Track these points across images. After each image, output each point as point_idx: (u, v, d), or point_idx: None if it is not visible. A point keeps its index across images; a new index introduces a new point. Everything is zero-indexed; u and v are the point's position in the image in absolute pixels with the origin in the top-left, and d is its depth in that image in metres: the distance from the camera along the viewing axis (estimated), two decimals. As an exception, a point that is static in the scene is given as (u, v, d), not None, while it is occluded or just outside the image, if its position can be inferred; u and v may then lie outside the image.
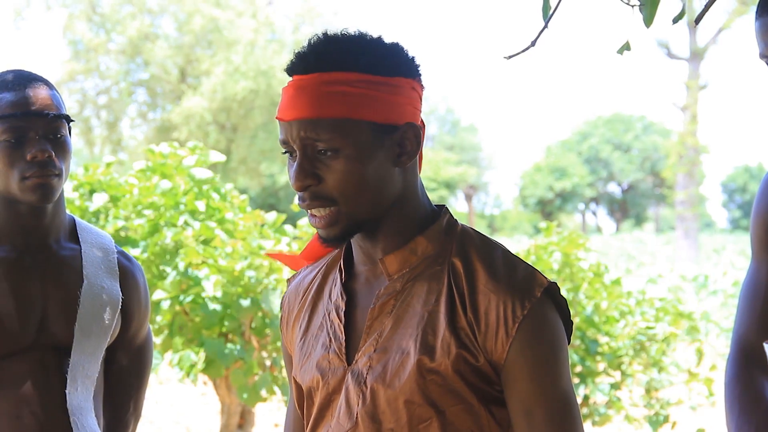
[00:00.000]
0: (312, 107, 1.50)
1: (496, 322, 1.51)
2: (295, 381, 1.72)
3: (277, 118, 1.55)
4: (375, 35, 1.57)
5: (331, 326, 1.65)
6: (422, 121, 1.63)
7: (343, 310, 1.63)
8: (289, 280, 1.83)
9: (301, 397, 1.71)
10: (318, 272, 1.75)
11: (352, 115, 1.50)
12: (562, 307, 1.57)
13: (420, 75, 1.60)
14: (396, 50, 1.56)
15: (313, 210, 1.55)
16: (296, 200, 1.58)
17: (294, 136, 1.51)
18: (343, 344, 1.61)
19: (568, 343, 1.59)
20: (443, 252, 1.59)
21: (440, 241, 1.60)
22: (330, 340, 1.63)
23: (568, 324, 1.59)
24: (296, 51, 1.55)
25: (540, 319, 1.52)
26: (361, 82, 1.50)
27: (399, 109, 1.54)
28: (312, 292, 1.73)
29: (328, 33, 1.54)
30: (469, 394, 1.53)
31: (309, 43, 1.54)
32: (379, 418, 1.55)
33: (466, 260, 1.57)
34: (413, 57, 1.59)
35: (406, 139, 1.56)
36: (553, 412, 1.52)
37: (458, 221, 1.64)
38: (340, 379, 1.60)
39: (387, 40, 1.58)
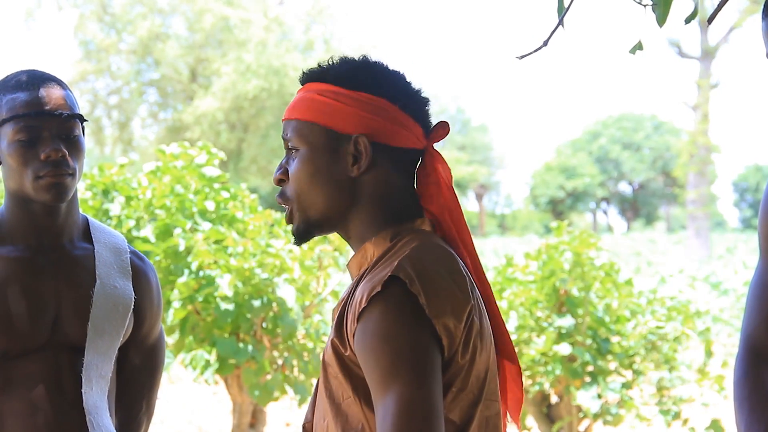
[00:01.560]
0: (291, 110, 1.69)
1: (352, 313, 1.54)
2: None
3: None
4: (360, 56, 1.71)
5: None
6: (432, 147, 1.69)
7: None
8: None
9: None
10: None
11: (313, 119, 1.65)
12: (410, 299, 1.49)
13: (396, 97, 1.66)
14: (370, 69, 1.68)
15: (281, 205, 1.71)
16: None
17: (284, 135, 1.70)
18: None
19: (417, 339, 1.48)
20: (389, 257, 1.59)
21: (385, 246, 1.63)
22: None
23: (424, 318, 1.48)
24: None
25: (372, 313, 1.49)
26: (328, 92, 1.65)
27: (356, 120, 1.63)
28: None
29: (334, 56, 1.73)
30: (348, 385, 1.56)
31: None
32: (320, 406, 1.65)
33: (378, 262, 1.60)
34: (395, 79, 1.69)
35: (360, 150, 1.63)
36: (384, 414, 1.45)
37: (417, 232, 1.63)
38: None
39: (368, 58, 1.70)
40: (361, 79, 1.65)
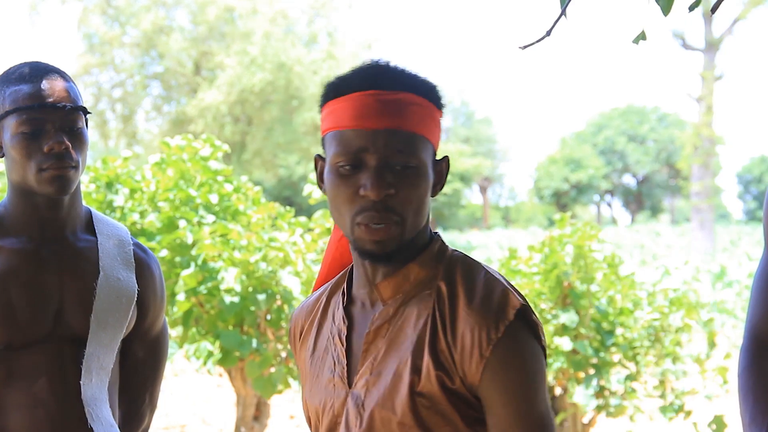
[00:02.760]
0: (399, 119, 1.56)
1: (471, 344, 1.54)
2: (304, 402, 1.78)
3: (354, 127, 1.57)
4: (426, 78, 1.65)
5: (334, 350, 1.70)
6: None
7: (345, 334, 1.69)
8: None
9: (308, 419, 1.78)
10: (323, 293, 1.81)
11: (425, 133, 1.59)
12: (535, 328, 1.59)
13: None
14: (437, 85, 1.65)
15: (378, 223, 1.56)
16: (365, 208, 1.57)
17: (379, 145, 1.55)
18: (345, 368, 1.66)
19: (546, 365, 1.61)
20: (433, 277, 1.63)
21: (431, 267, 1.64)
22: (334, 364, 1.69)
23: (542, 346, 1.61)
24: (358, 74, 1.61)
25: (513, 341, 1.55)
26: (428, 108, 1.60)
27: (439, 139, 1.64)
28: (318, 313, 1.79)
29: (386, 63, 1.62)
30: (455, 416, 1.56)
31: (371, 66, 1.61)
32: None
33: (450, 284, 1.61)
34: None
35: (443, 172, 1.65)
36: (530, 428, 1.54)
37: (449, 247, 1.69)
38: (343, 402, 1.66)
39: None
40: (439, 95, 1.64)
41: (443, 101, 1.65)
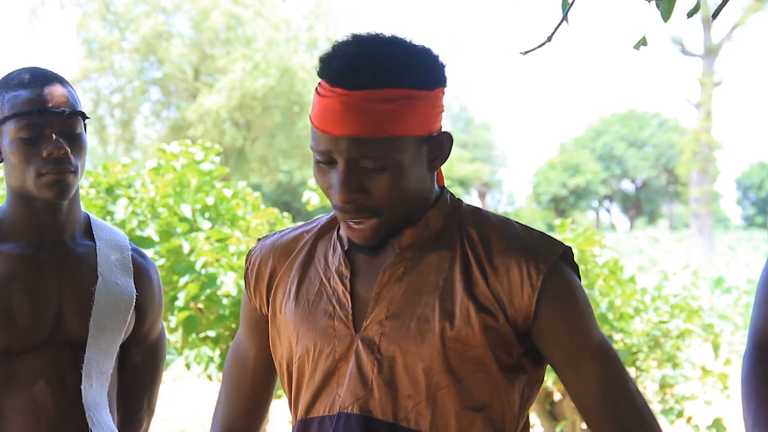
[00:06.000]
0: (361, 125, 1.48)
1: (519, 278, 1.54)
2: (285, 348, 1.70)
3: (319, 129, 1.52)
4: (409, 43, 1.56)
5: (333, 293, 1.64)
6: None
7: (348, 277, 1.64)
8: (260, 239, 1.82)
9: (290, 365, 1.70)
10: (306, 237, 1.74)
11: (399, 132, 1.50)
12: (577, 269, 1.62)
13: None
14: (434, 61, 1.57)
15: (354, 221, 1.56)
16: (337, 206, 1.57)
17: (341, 150, 1.50)
18: (350, 311, 1.61)
19: None
20: (452, 224, 1.63)
21: (448, 215, 1.64)
22: (333, 308, 1.63)
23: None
24: (333, 59, 1.51)
25: (563, 274, 1.57)
26: (407, 98, 1.49)
27: (436, 119, 1.57)
28: (301, 255, 1.72)
29: (366, 44, 1.52)
30: (491, 361, 1.55)
31: (345, 52, 1.51)
32: (396, 385, 1.56)
33: (480, 229, 1.61)
34: (443, 62, 1.60)
35: (441, 146, 1.59)
36: (596, 357, 1.57)
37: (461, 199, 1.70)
38: (348, 347, 1.60)
39: (419, 45, 1.57)
40: (433, 77, 1.55)
41: (437, 73, 1.55)
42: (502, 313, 1.54)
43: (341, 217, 1.57)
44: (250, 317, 1.81)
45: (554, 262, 1.56)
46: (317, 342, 1.63)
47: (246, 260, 1.80)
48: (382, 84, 1.48)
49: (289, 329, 1.68)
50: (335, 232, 1.70)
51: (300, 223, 1.83)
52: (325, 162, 1.54)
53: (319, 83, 1.54)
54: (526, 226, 1.62)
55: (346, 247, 1.66)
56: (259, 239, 1.82)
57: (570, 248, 1.60)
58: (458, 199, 1.68)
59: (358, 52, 1.50)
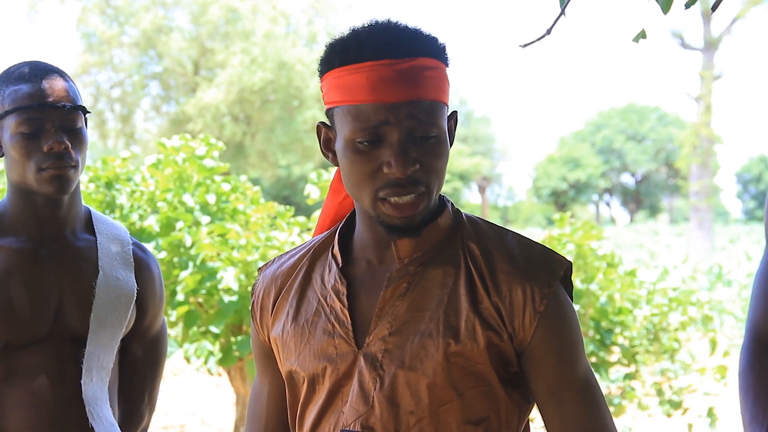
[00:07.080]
0: (420, 90, 1.49)
1: (522, 300, 1.53)
2: (286, 370, 1.69)
3: (374, 101, 1.49)
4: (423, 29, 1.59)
5: (331, 311, 1.63)
6: None
7: (345, 294, 1.62)
8: (260, 270, 1.81)
9: (293, 387, 1.69)
10: (303, 259, 1.73)
11: (442, 98, 1.53)
12: (570, 287, 1.61)
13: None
14: (442, 41, 1.58)
15: (404, 196, 1.51)
16: (390, 183, 1.51)
17: (401, 117, 1.48)
18: (350, 329, 1.60)
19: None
20: (453, 237, 1.62)
21: (449, 227, 1.62)
22: (333, 326, 1.62)
23: None
24: (366, 39, 1.51)
25: (561, 300, 1.56)
26: (440, 68, 1.53)
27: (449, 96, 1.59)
28: (299, 278, 1.71)
29: (391, 22, 1.54)
30: (492, 376, 1.55)
31: (376, 29, 1.52)
32: (397, 401, 1.55)
33: (481, 244, 1.59)
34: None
35: (455, 125, 1.61)
36: (580, 392, 1.56)
37: (460, 210, 1.68)
38: (351, 364, 1.58)
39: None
40: (447, 53, 1.57)
41: (449, 54, 1.58)
42: (505, 332, 1.54)
43: (392, 193, 1.51)
44: (261, 353, 1.79)
45: (557, 286, 1.55)
46: (319, 361, 1.61)
47: (251, 294, 1.80)
48: (425, 53, 1.51)
49: (290, 350, 1.67)
50: (329, 251, 1.69)
51: (296, 246, 1.82)
52: (371, 140, 1.50)
53: (344, 68, 1.51)
54: (523, 238, 1.60)
55: (341, 265, 1.65)
56: (259, 269, 1.81)
57: (570, 264, 1.59)
58: (458, 210, 1.66)
59: (391, 27, 1.53)
